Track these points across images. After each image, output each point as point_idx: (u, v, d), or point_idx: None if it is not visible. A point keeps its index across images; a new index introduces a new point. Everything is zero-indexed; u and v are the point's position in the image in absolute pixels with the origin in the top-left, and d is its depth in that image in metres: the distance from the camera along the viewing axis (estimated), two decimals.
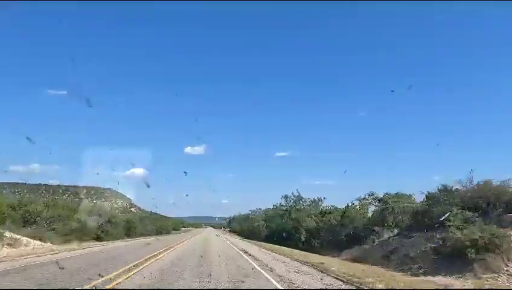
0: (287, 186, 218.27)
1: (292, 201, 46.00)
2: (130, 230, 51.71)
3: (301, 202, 46.34)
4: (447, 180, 22.75)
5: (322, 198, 46.81)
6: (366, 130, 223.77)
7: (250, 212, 79.03)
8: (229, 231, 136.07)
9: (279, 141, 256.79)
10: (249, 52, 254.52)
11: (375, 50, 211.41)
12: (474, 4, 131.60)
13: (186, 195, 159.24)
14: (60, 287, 10.07)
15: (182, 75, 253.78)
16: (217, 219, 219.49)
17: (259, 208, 74.65)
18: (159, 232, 70.98)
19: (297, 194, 46.17)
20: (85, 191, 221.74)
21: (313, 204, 46.10)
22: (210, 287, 10.77)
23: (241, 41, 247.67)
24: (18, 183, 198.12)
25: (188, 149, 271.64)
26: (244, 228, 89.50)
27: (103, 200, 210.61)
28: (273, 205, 51.35)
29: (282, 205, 47.44)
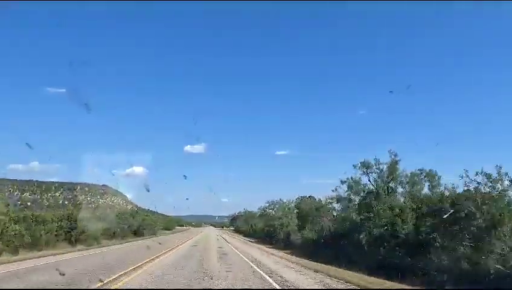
0: (288, 185, 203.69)
1: (377, 175, 21.52)
2: (72, 232, 28.11)
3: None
4: None
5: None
6: (366, 128, 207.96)
7: (267, 204, 54.74)
8: (234, 230, 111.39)
9: (279, 139, 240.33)
10: (249, 52, 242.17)
11: (375, 50, 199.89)
12: (474, 4, 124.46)
13: (187, 199, 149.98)
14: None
15: (182, 75, 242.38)
16: (217, 217, 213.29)
17: (280, 199, 50.59)
18: (139, 233, 46.94)
19: (390, 161, 21.44)
20: (79, 187, 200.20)
21: (411, 179, 21.84)
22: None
23: (241, 41, 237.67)
24: (6, 179, 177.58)
25: (187, 148, 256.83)
26: (256, 228, 65.19)
27: (98, 197, 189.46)
28: (343, 181, 24.10)
29: (355, 182, 22.01)
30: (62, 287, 9.94)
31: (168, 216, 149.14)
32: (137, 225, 47.07)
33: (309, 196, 38.32)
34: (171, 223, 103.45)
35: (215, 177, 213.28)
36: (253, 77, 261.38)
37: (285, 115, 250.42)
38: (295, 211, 39.03)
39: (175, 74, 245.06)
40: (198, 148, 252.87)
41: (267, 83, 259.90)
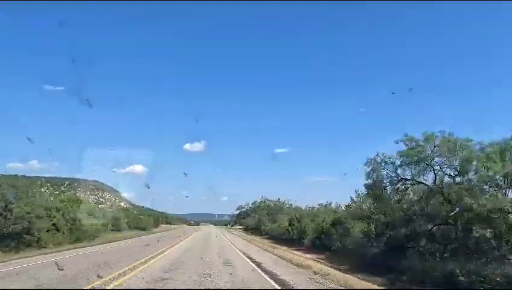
0: (288, 183, 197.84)
1: None
2: None
3: None
4: None
5: None
6: (366, 126, 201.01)
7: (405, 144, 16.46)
8: (244, 230, 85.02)
9: (279, 137, 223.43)
10: (250, 50, 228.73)
11: (374, 50, 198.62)
12: (474, 4, 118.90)
13: (187, 197, 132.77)
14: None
15: (182, 73, 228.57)
16: (216, 216, 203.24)
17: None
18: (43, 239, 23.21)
19: None
20: (67, 183, 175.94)
21: None
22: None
23: (241, 40, 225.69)
24: None
25: (187, 146, 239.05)
26: (304, 228, 38.27)
27: (88, 193, 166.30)
28: None
29: None
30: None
31: (168, 214, 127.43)
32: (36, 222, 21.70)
33: None
34: (146, 221, 72.71)
35: (214, 175, 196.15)
36: (253, 75, 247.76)
37: (285, 112, 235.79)
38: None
39: (175, 72, 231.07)
40: (197, 146, 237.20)
41: (266, 82, 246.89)
